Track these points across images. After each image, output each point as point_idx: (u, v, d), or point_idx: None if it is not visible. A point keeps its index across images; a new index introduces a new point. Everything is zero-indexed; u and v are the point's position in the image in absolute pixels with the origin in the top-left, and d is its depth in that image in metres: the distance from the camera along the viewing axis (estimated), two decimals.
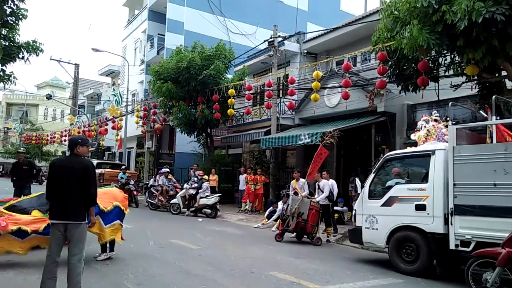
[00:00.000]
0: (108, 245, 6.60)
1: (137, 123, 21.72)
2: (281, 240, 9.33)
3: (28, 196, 7.09)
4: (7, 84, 11.20)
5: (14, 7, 10.09)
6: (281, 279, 5.85)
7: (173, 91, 16.63)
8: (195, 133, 18.93)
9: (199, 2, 24.57)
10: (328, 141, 10.11)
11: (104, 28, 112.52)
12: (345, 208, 12.10)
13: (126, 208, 6.76)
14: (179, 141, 22.66)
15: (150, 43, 26.55)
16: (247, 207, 14.99)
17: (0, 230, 5.59)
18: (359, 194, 7.83)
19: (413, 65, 8.76)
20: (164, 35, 24.87)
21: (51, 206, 4.56)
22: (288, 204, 9.47)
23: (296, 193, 9.88)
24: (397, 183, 7.04)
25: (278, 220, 10.50)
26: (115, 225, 6.50)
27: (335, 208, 11.16)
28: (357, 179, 11.21)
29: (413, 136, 7.52)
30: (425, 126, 7.20)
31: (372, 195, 7.33)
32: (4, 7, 9.88)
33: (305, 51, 16.61)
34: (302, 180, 10.45)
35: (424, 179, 6.71)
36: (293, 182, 10.58)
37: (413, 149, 7.25)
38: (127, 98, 24.62)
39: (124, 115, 23.17)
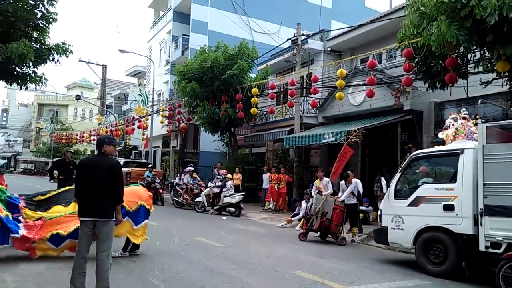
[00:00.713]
0: (130, 244, 6.71)
1: (162, 122, 22.09)
2: (305, 240, 9.30)
3: (55, 191, 7.28)
4: (39, 85, 11.50)
5: (45, 11, 10.42)
6: (305, 279, 5.84)
7: (197, 91, 16.82)
8: (219, 132, 19.11)
9: (223, 2, 24.75)
10: (352, 140, 10.00)
11: (130, 30, 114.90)
12: (370, 208, 11.93)
13: (151, 206, 6.88)
14: (203, 140, 22.92)
15: (175, 44, 26.94)
16: (270, 206, 15.01)
17: (34, 239, 5.86)
18: (384, 193, 7.71)
19: (440, 61, 8.53)
20: (188, 36, 25.18)
21: (80, 204, 4.68)
22: (312, 203, 9.43)
23: (320, 192, 9.82)
24: (424, 183, 6.89)
25: (302, 219, 10.47)
26: (145, 225, 6.65)
27: (361, 207, 11.02)
28: (382, 178, 11.04)
29: (440, 135, 7.34)
30: (453, 124, 7.01)
31: (398, 195, 7.20)
32: (35, 10, 10.23)
33: (329, 49, 16.45)
34: (325, 179, 10.37)
35: (453, 178, 6.54)
36: (316, 181, 10.51)
37: (441, 148, 7.08)
38: (152, 98, 25.08)
39: (150, 115, 23.61)
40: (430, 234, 6.57)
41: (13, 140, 60.75)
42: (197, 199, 14.95)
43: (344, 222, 9.33)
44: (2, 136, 64.66)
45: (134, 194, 6.68)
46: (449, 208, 6.32)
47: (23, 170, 53.56)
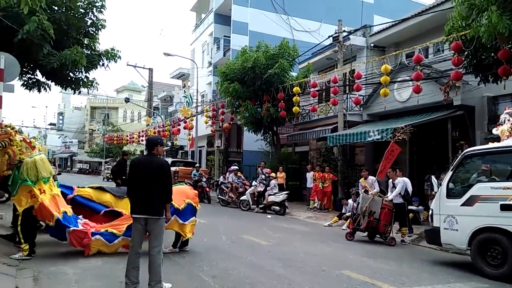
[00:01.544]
0: (180, 240, 6.96)
1: (206, 122, 22.57)
2: (352, 239, 9.15)
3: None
4: (91, 89, 12.11)
5: (94, 18, 10.98)
6: (354, 279, 5.76)
7: (239, 91, 17.02)
8: (262, 132, 19.21)
9: (263, 2, 24.84)
10: (400, 137, 9.70)
11: (174, 33, 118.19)
12: (420, 207, 11.51)
13: (197, 204, 7.12)
14: (247, 139, 23.15)
15: (217, 45, 27.40)
16: (315, 205, 14.90)
17: (88, 233, 6.24)
18: (435, 192, 7.42)
19: (492, 54, 8.10)
20: (229, 37, 25.52)
21: (132, 202, 4.89)
22: (358, 203, 9.26)
23: (366, 191, 9.63)
24: (478, 181, 6.56)
25: (349, 219, 10.31)
26: (193, 221, 6.89)
27: (410, 207, 10.65)
28: (433, 177, 10.66)
29: (495, 131, 6.95)
30: (508, 120, 6.63)
31: (450, 194, 6.89)
32: (86, 18, 10.81)
33: (372, 45, 16.05)
34: (371, 177, 10.15)
35: (510, 177, 6.18)
36: (361, 180, 10.32)
37: (495, 144, 6.71)
38: (196, 99, 25.69)
39: (194, 116, 24.21)
40: (486, 235, 6.25)
41: (69, 142, 64.53)
42: (242, 198, 15.14)
43: (393, 222, 9.08)
44: (59, 138, 68.89)
45: (182, 193, 6.92)
46: (507, 208, 5.97)
47: (79, 169, 56.74)
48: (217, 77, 19.83)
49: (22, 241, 5.87)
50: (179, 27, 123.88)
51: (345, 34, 15.33)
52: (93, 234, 6.27)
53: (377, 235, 9.15)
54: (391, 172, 9.57)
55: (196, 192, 7.57)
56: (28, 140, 6.22)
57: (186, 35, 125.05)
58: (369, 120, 15.23)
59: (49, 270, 5.40)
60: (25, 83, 11.31)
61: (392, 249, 8.54)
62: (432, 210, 7.24)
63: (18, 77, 10.12)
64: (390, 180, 9.61)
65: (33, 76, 11.32)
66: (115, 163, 14.29)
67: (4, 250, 6.04)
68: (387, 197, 9.29)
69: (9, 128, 6.14)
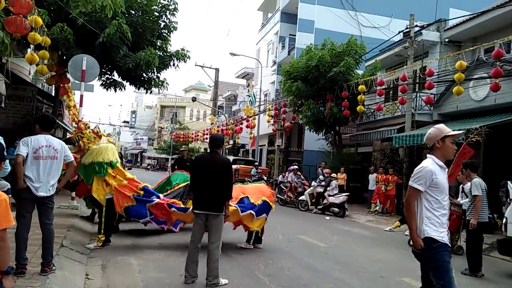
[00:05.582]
0: (253, 237, 7.16)
1: (268, 121, 22.76)
2: None
3: (174, 189, 8.09)
4: (161, 89, 12.73)
5: (167, 21, 11.52)
6: (414, 287, 5.47)
7: (302, 90, 16.92)
8: (323, 131, 18.94)
9: None
10: (473, 139, 9.02)
11: (241, 33, 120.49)
12: (493, 215, 10.59)
13: (272, 203, 7.30)
14: (308, 139, 22.96)
15: (282, 44, 27.43)
16: (377, 208, 14.38)
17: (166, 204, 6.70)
18: (511, 200, 6.80)
19: None
20: (295, 36, 25.42)
21: (194, 197, 5.07)
22: None
23: None
24: None
25: None
26: (263, 218, 7.07)
27: None
28: (509, 182, 9.79)
29: None
30: None
31: None
32: (159, 21, 11.38)
33: (446, 40, 15.06)
34: None
35: None
36: None
37: None
38: (260, 98, 25.98)
39: (257, 115, 24.52)
40: None
41: (140, 139, 68.66)
42: (300, 198, 15.06)
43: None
44: (131, 134, 73.63)
45: (259, 190, 7.25)
46: None
47: (147, 165, 60.22)
48: (280, 76, 19.89)
49: (102, 231, 6.35)
50: (246, 27, 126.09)
51: (417, 29, 14.55)
52: (169, 206, 6.70)
53: None
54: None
55: (273, 191, 7.83)
56: (96, 131, 6.92)
57: (252, 35, 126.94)
58: (439, 120, 14.31)
59: (116, 259, 5.80)
60: (103, 83, 12.15)
61: (459, 258, 7.95)
62: (506, 218, 6.67)
63: (97, 78, 10.97)
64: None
65: (110, 77, 12.13)
66: (173, 160, 14.92)
67: (77, 239, 6.58)
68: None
69: (81, 124, 6.84)
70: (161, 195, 7.00)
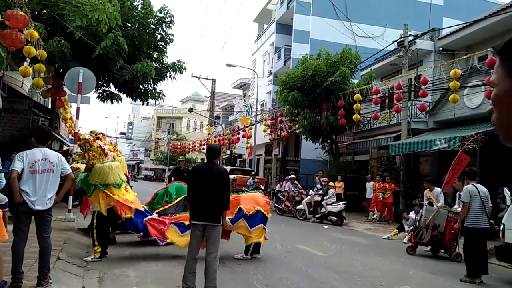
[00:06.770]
0: (251, 248, 7.10)
1: (265, 131, 22.81)
2: (413, 253, 8.69)
3: (173, 203, 8.06)
4: (158, 100, 12.78)
5: (163, 33, 11.63)
6: None
7: (298, 99, 17.01)
8: (320, 140, 19.00)
9: (325, 10, 24.59)
10: (469, 146, 9.09)
11: (237, 44, 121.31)
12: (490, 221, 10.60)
13: (268, 212, 7.22)
14: (304, 148, 23.01)
15: (277, 55, 27.66)
16: (375, 216, 14.38)
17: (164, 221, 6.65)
18: (508, 206, 6.83)
19: None
20: (290, 46, 25.65)
21: (192, 208, 5.03)
22: (421, 215, 8.78)
23: (431, 203, 9.10)
24: None
25: (410, 232, 9.81)
26: (259, 228, 6.99)
27: None
28: (505, 189, 9.88)
29: None
30: None
31: None
32: (156, 33, 11.48)
33: (441, 49, 15.24)
34: (437, 189, 9.57)
35: None
36: (427, 191, 9.76)
37: None
38: (256, 108, 26.07)
39: (253, 124, 24.58)
40: None
41: (137, 150, 68.49)
42: (298, 207, 15.03)
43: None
44: (128, 146, 73.38)
45: (253, 200, 7.16)
46: None
47: (144, 176, 59.95)
48: (276, 86, 20.01)
49: (96, 243, 6.25)
50: (242, 38, 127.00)
51: (411, 38, 14.72)
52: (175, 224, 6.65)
53: (441, 250, 8.59)
54: (458, 183, 8.97)
55: (268, 200, 7.69)
56: (103, 147, 6.51)
57: (248, 46, 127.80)
58: (435, 127, 14.42)
59: (113, 272, 5.75)
60: (100, 95, 12.20)
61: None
62: (503, 224, 6.68)
63: (94, 90, 11.00)
64: (458, 193, 9.00)
65: (107, 89, 12.19)
66: (170, 171, 14.88)
67: (74, 251, 6.53)
68: (454, 209, 8.68)
69: (89, 135, 6.67)
70: (155, 214, 6.95)
